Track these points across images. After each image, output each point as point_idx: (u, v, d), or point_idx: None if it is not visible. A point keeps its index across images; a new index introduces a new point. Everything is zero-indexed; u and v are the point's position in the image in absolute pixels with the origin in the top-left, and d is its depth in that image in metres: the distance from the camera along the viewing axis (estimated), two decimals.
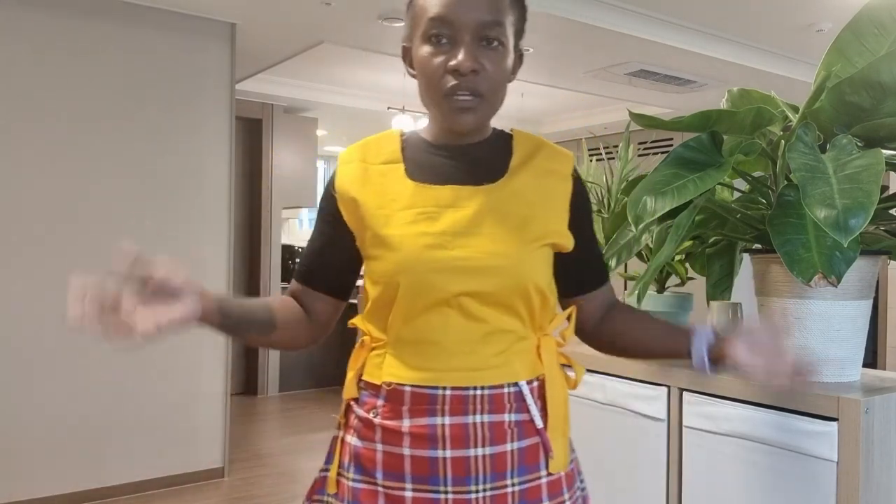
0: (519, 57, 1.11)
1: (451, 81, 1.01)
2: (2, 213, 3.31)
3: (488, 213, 1.05)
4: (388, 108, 5.85)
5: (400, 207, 1.05)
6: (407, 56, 1.10)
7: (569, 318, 1.16)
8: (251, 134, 6.11)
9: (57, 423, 3.43)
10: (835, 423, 1.31)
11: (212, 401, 3.88)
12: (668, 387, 1.63)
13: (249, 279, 6.10)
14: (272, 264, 6.03)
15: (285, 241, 7.17)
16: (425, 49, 1.03)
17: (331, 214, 1.12)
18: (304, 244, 7.08)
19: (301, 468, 4.13)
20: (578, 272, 1.17)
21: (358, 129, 7.10)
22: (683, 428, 1.59)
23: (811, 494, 1.35)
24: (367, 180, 1.09)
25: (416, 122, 5.60)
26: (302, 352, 6.27)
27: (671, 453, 1.63)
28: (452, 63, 1.01)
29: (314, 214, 9.03)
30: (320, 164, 7.76)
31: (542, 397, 1.08)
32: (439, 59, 1.02)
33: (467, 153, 1.10)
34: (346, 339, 6.57)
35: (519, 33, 1.09)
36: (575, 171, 1.15)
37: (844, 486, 1.30)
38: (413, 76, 1.10)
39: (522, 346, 1.07)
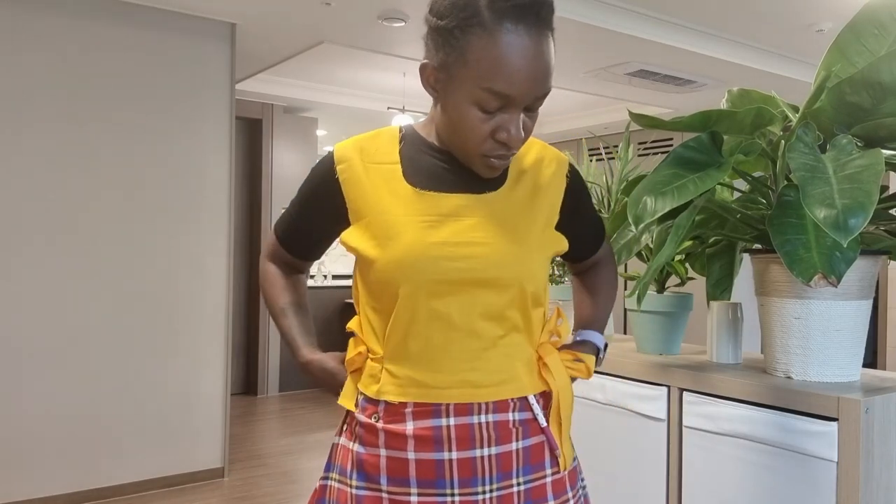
0: None
1: (496, 150, 1.00)
2: (1, 213, 3.31)
3: (490, 224, 1.03)
4: (388, 108, 5.85)
5: (399, 213, 1.02)
6: (431, 77, 1.02)
7: (559, 316, 1.17)
8: (251, 134, 6.11)
9: (57, 424, 3.43)
10: (835, 423, 1.31)
11: (212, 401, 3.88)
12: (668, 387, 1.63)
13: (249, 279, 6.10)
14: None
15: None
16: (474, 111, 0.97)
17: (327, 200, 1.08)
18: None
19: (301, 468, 4.13)
20: (577, 248, 1.22)
21: (358, 129, 7.10)
22: (683, 428, 1.59)
23: (811, 494, 1.35)
24: (367, 178, 1.05)
25: (417, 121, 5.59)
26: None
27: (671, 453, 1.63)
28: (502, 136, 0.98)
29: None
30: None
31: (543, 399, 1.09)
32: (487, 126, 0.97)
33: None
34: (346, 340, 6.56)
35: None
36: (569, 169, 1.15)
37: (844, 487, 1.30)
38: (432, 94, 1.04)
39: (524, 358, 1.07)
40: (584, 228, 1.21)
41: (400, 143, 1.09)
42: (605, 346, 1.24)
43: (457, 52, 0.95)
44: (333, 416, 5.39)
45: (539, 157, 1.12)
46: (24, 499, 3.34)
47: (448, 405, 1.01)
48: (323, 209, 1.10)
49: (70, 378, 3.46)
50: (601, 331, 1.25)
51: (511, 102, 0.96)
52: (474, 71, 0.94)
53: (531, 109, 0.99)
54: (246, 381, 6.14)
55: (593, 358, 1.17)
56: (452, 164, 1.07)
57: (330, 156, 1.09)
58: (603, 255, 1.29)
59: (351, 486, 1.04)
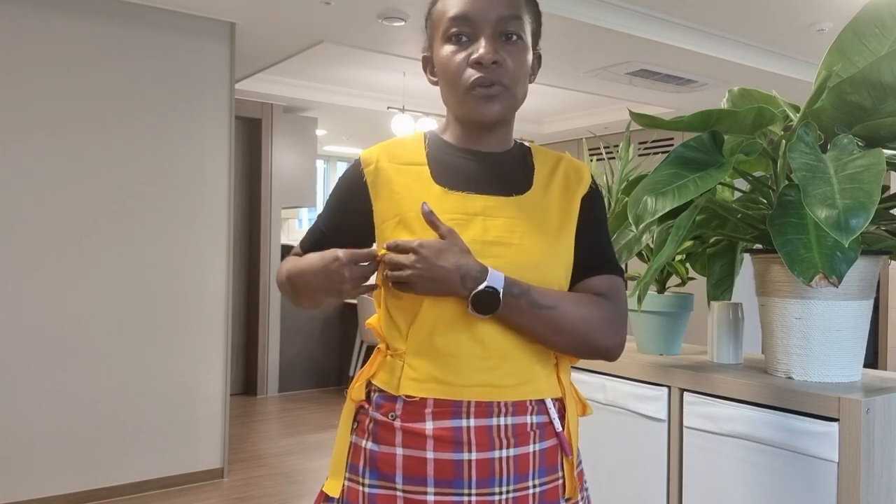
0: (537, 58, 1.12)
1: (474, 75, 1.02)
2: (1, 214, 3.31)
3: (518, 225, 1.04)
4: (388, 108, 5.85)
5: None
6: (428, 65, 1.13)
7: None
8: (251, 134, 6.10)
9: (56, 424, 3.43)
10: (835, 424, 1.31)
11: (211, 401, 3.87)
12: (669, 387, 1.63)
13: (249, 279, 6.10)
14: (272, 264, 6.02)
15: (285, 241, 7.17)
16: (447, 48, 1.05)
17: (355, 204, 1.10)
18: None
19: (301, 469, 4.12)
20: (578, 266, 1.13)
21: (358, 128, 7.10)
22: (684, 428, 1.59)
23: (812, 495, 1.35)
24: (398, 178, 1.07)
25: (417, 121, 5.59)
26: (302, 352, 6.27)
27: (671, 453, 1.63)
28: (474, 56, 1.02)
29: (314, 214, 8.93)
30: (320, 164, 7.76)
31: (559, 410, 1.09)
32: (461, 55, 1.04)
33: (493, 162, 1.09)
34: (346, 340, 6.56)
35: (535, 34, 1.11)
36: (592, 181, 1.15)
37: (845, 487, 1.30)
38: (434, 83, 1.11)
39: (543, 361, 1.06)
40: (591, 240, 1.11)
41: (426, 146, 1.11)
42: (502, 293, 0.99)
43: (430, 19, 1.10)
44: (333, 416, 5.39)
45: (568, 166, 1.14)
46: (24, 499, 3.34)
47: (469, 406, 1.01)
48: (351, 214, 1.11)
49: (70, 378, 3.46)
50: (520, 283, 1.00)
51: (474, 26, 1.03)
52: (439, 14, 1.07)
53: (506, 36, 1.04)
54: (246, 381, 6.13)
55: None
56: (479, 165, 1.08)
57: (356, 162, 1.13)
58: (605, 289, 1.10)
59: (363, 485, 1.04)
